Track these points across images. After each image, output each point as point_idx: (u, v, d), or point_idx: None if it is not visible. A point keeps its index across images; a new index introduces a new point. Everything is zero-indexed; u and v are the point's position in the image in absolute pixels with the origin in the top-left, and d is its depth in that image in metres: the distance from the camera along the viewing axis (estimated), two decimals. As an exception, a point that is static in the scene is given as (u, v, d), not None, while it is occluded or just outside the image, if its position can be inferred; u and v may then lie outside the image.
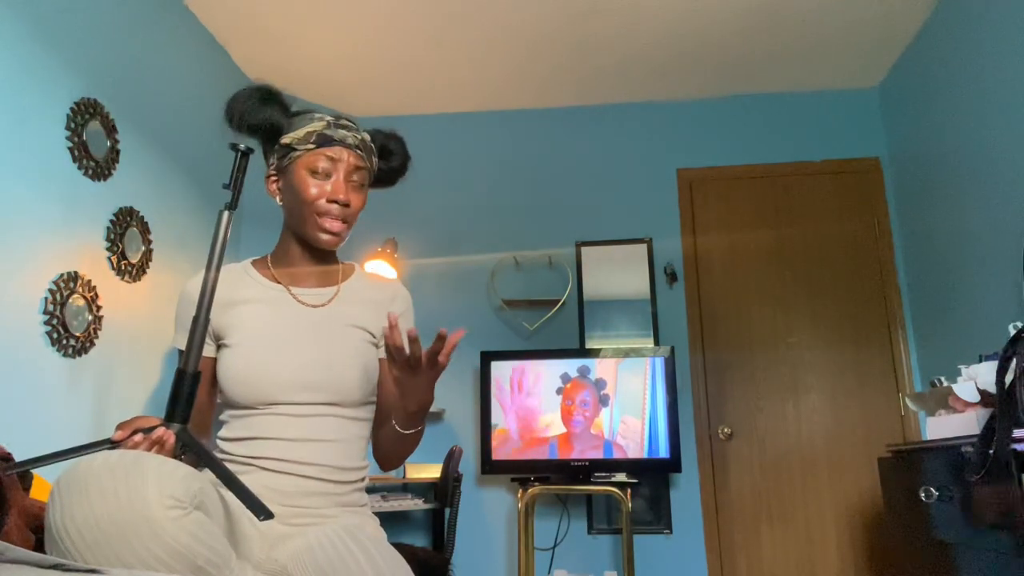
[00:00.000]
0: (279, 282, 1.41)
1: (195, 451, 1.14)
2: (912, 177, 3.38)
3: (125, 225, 2.50)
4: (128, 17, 2.62)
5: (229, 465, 1.28)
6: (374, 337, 1.43)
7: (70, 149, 2.25)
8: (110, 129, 2.44)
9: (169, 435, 1.11)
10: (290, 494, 1.28)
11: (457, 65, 3.47)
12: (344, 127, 1.38)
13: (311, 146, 1.34)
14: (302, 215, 1.36)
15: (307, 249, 1.42)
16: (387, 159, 1.49)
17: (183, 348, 1.35)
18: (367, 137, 1.42)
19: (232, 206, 1.24)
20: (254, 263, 1.47)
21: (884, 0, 3.02)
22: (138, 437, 1.09)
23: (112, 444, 1.08)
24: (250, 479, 1.27)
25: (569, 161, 3.78)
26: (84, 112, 2.30)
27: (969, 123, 2.85)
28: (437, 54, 3.37)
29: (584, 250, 3.64)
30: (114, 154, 2.46)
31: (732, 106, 3.75)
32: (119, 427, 1.12)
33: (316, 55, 3.34)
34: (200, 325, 1.18)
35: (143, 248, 2.60)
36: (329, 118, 1.38)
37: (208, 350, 1.38)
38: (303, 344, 1.35)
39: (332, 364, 1.34)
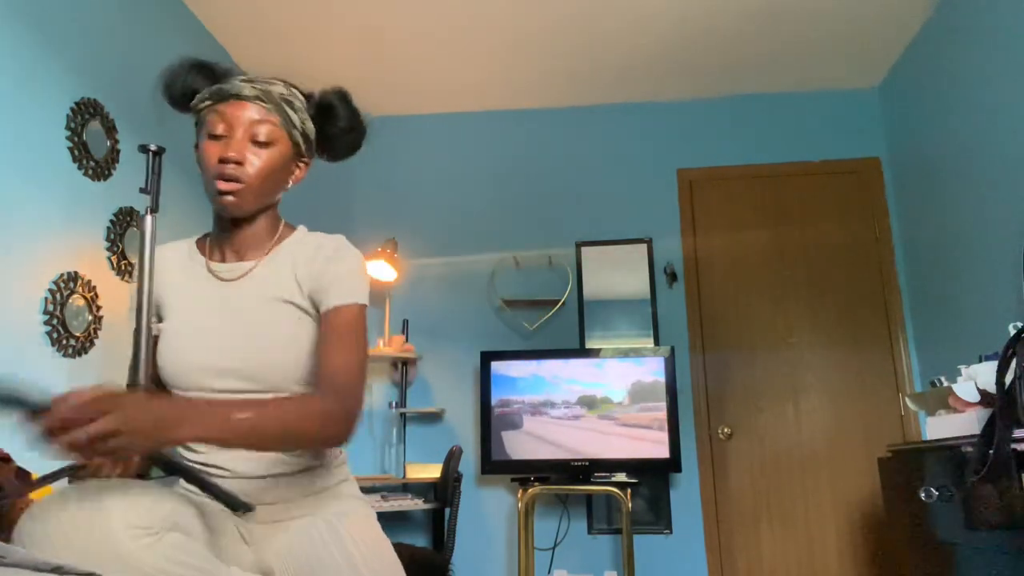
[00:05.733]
0: (204, 254, 1.31)
1: (160, 460, 1.09)
2: (912, 177, 3.38)
3: (125, 225, 2.50)
4: (128, 17, 2.62)
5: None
6: (306, 307, 1.24)
7: (70, 149, 2.25)
8: (110, 129, 2.44)
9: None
10: (254, 493, 1.19)
11: (458, 65, 3.47)
12: (247, 80, 1.22)
13: (208, 102, 1.21)
14: (205, 181, 1.21)
15: (228, 219, 1.26)
16: (331, 119, 1.30)
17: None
18: (279, 90, 1.25)
19: (154, 209, 1.18)
20: (198, 240, 1.36)
21: (884, 0, 3.02)
22: (98, 460, 1.03)
23: (80, 467, 1.03)
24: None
25: (569, 161, 3.78)
26: (84, 112, 2.31)
27: (969, 123, 2.85)
28: (437, 54, 3.37)
29: (584, 250, 3.64)
30: (114, 154, 2.46)
31: (732, 106, 3.75)
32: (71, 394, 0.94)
33: (316, 55, 3.35)
34: (142, 338, 1.13)
35: (143, 248, 2.59)
36: (237, 77, 1.24)
37: (156, 328, 1.28)
38: (219, 324, 1.23)
39: (252, 347, 1.20)
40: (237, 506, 1.06)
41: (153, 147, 1.19)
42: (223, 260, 1.29)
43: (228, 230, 1.27)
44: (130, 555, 0.90)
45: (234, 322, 1.22)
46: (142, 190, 1.18)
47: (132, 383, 1.12)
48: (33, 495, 1.41)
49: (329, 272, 1.22)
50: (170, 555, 0.93)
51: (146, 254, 1.15)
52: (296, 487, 1.23)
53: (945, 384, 2.08)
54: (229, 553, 1.15)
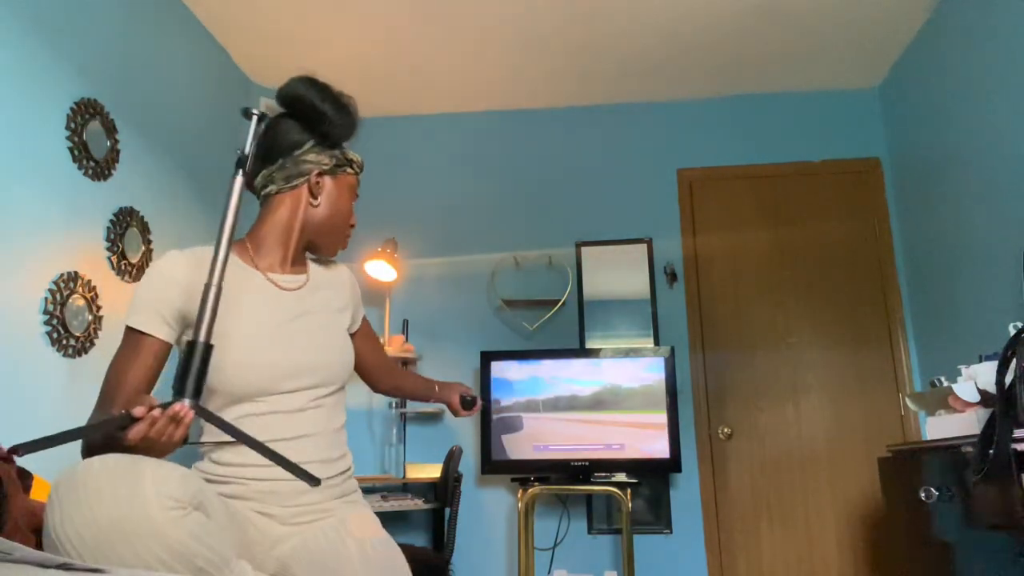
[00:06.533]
0: (258, 267, 1.38)
1: (216, 424, 1.10)
2: (912, 177, 3.38)
3: (125, 225, 2.50)
4: (128, 17, 2.62)
5: (215, 483, 1.25)
6: (349, 319, 1.51)
7: (70, 149, 2.25)
8: (110, 129, 2.44)
9: (186, 410, 1.05)
10: (288, 495, 1.29)
11: (457, 65, 3.47)
12: None
13: (357, 171, 1.50)
14: (336, 228, 1.46)
15: (300, 244, 1.44)
16: (308, 108, 1.56)
17: (143, 329, 1.26)
18: None
19: (245, 170, 1.19)
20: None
21: (884, 0, 3.02)
22: (156, 412, 1.03)
23: (131, 418, 1.02)
24: (243, 489, 1.26)
25: (569, 161, 3.78)
26: (84, 112, 2.30)
27: (969, 123, 2.85)
28: (437, 54, 3.37)
29: (584, 250, 3.64)
30: (114, 154, 2.46)
31: (732, 106, 3.75)
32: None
33: (316, 55, 3.35)
34: (214, 294, 1.12)
35: (143, 248, 2.60)
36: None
37: (166, 334, 1.28)
38: (293, 329, 1.36)
39: (326, 349, 1.39)
40: (307, 479, 1.13)
41: (256, 111, 1.24)
42: (276, 272, 1.41)
43: (295, 250, 1.43)
44: (157, 523, 0.92)
45: (306, 327, 1.38)
46: (241, 153, 1.20)
47: (194, 341, 1.10)
48: (33, 495, 1.41)
49: (359, 297, 1.59)
50: (194, 531, 0.95)
51: (230, 213, 1.16)
52: (326, 491, 1.34)
53: (945, 384, 2.08)
54: (241, 550, 1.18)
